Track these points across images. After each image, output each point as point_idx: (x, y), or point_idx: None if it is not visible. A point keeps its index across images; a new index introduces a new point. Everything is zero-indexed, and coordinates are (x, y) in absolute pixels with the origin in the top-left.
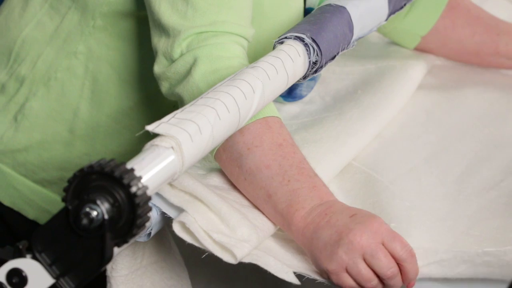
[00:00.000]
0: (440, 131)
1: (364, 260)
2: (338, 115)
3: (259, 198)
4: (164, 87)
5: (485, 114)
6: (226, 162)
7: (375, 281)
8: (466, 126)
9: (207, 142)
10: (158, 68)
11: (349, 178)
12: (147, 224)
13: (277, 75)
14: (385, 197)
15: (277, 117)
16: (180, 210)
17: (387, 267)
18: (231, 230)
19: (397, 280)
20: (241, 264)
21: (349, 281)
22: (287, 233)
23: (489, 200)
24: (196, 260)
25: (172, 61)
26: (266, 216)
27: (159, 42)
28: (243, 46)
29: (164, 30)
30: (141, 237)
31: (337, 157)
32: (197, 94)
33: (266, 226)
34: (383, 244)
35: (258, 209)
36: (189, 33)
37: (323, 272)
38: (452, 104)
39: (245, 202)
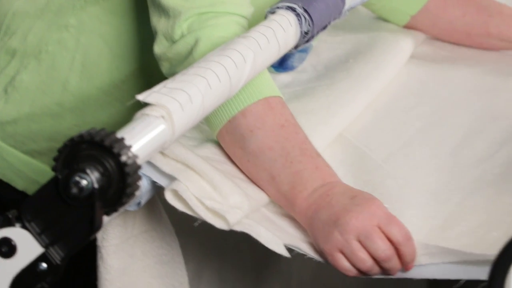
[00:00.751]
0: (435, 102)
1: (360, 242)
2: (330, 85)
3: (263, 180)
4: (165, 67)
5: (479, 86)
6: (229, 143)
7: (369, 262)
8: (459, 98)
9: (197, 111)
10: (159, 48)
11: (342, 151)
12: (137, 193)
13: (268, 45)
14: (377, 176)
15: (278, 96)
16: (171, 179)
17: (381, 249)
18: (223, 197)
19: (394, 263)
20: (231, 234)
21: (343, 261)
22: (292, 214)
23: (483, 171)
24: (186, 229)
25: (172, 42)
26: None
27: (158, 23)
28: (243, 25)
29: (163, 10)
30: (131, 206)
31: (329, 128)
32: None
33: (258, 196)
34: (379, 227)
35: (251, 181)
36: (190, 14)
37: (321, 253)
38: (446, 75)
39: (238, 174)
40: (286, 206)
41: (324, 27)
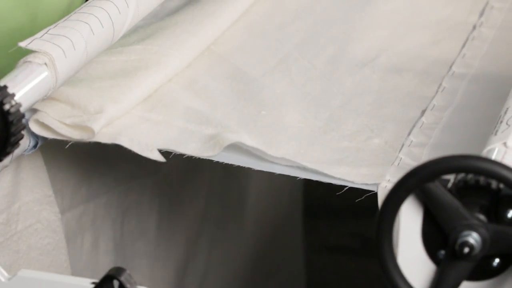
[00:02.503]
0: (310, 17)
1: None
2: (195, 2)
3: None
4: None
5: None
6: None
7: None
8: (337, 11)
9: (80, 57)
10: None
11: (218, 67)
12: (22, 142)
13: None
14: (254, 87)
15: None
16: None
17: None
18: (82, 109)
19: None
20: (127, 197)
21: None
22: None
23: (363, 77)
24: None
25: None
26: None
27: None
28: None
29: None
30: (27, 151)
31: (193, 37)
32: None
33: (130, 95)
34: None
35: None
36: None
37: None
38: None
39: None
40: None
41: None
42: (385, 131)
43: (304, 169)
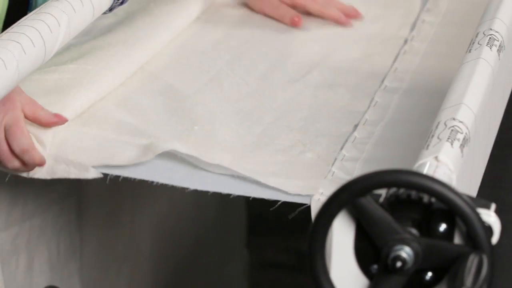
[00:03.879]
0: (243, 35)
1: None
2: (129, 23)
3: None
4: None
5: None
6: None
7: None
8: (268, 30)
9: (12, 77)
10: None
11: (150, 84)
12: None
13: (82, 8)
14: (187, 104)
15: None
16: None
17: None
18: None
19: None
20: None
21: None
22: None
23: (295, 92)
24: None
25: None
26: None
27: None
28: None
29: None
30: None
31: (127, 58)
32: None
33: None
34: None
35: None
36: None
37: None
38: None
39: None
40: None
41: None
42: (318, 145)
43: (237, 186)
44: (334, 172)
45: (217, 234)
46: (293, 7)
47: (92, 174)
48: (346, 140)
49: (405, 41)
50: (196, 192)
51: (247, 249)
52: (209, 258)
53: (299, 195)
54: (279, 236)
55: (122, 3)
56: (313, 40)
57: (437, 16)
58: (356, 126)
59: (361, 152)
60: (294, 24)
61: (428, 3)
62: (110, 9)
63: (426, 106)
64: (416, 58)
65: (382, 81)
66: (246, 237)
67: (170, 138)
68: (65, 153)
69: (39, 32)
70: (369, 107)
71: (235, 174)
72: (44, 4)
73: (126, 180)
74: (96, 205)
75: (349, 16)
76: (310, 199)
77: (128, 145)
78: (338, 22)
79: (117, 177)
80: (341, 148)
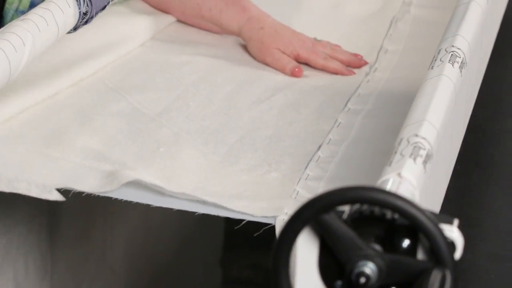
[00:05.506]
0: (209, 60)
1: None
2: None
3: None
4: None
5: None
6: None
7: None
8: (235, 54)
9: None
10: None
11: (115, 104)
12: None
13: (47, 27)
14: (152, 124)
15: None
16: None
17: None
18: None
19: None
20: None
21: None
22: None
23: (260, 112)
24: None
25: None
26: None
27: None
28: None
29: None
30: None
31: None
32: None
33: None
34: None
35: None
36: None
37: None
38: (218, 37)
39: None
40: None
41: (103, 8)
42: (283, 165)
43: (204, 203)
44: (298, 192)
45: (192, 251)
46: (296, 60)
47: (55, 196)
48: (310, 159)
49: (367, 73)
50: (170, 208)
51: (220, 266)
52: (183, 275)
53: (265, 217)
54: (246, 252)
55: (86, 22)
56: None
57: (399, 44)
58: (320, 146)
59: (324, 171)
60: (294, 75)
61: (391, 28)
62: (75, 28)
63: (389, 125)
64: (379, 84)
65: (346, 104)
66: (221, 253)
67: (135, 163)
68: (27, 172)
69: (4, 52)
70: (332, 127)
71: (200, 200)
72: (9, 24)
73: (98, 197)
74: (68, 223)
75: (353, 66)
76: (275, 219)
77: (92, 171)
78: (342, 74)
79: (88, 194)
80: (305, 168)
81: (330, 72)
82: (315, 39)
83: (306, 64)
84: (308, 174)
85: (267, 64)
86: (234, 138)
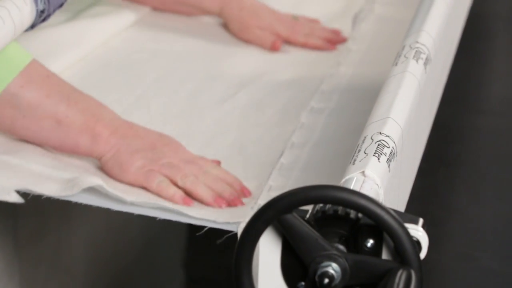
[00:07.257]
0: (170, 55)
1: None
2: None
3: (45, 129)
4: None
5: (216, 34)
6: None
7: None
8: (196, 49)
9: None
10: None
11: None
12: None
13: (4, 26)
14: None
15: (32, 59)
16: None
17: None
18: None
19: None
20: None
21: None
22: (91, 149)
23: (224, 113)
24: None
25: None
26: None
27: None
28: None
29: None
30: None
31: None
32: None
33: None
34: None
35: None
36: None
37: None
38: (180, 32)
39: None
40: (84, 143)
41: (61, 5)
42: (246, 181)
43: (166, 209)
44: (260, 205)
45: (155, 251)
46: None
47: (14, 198)
48: (273, 168)
49: (332, 66)
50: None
51: (183, 266)
52: (145, 276)
53: (227, 222)
54: (209, 251)
55: (44, 20)
56: (242, 63)
57: (362, 43)
58: (282, 152)
59: (287, 179)
60: (273, 48)
61: (354, 28)
62: (32, 26)
63: (353, 124)
64: (343, 80)
65: (309, 102)
66: (184, 254)
67: (97, 170)
68: None
69: None
70: (296, 128)
71: (161, 208)
72: None
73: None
74: (28, 225)
75: (332, 42)
76: (237, 226)
77: (53, 177)
78: (322, 49)
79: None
80: (268, 179)
81: (311, 48)
82: (293, 16)
83: (287, 42)
84: (271, 186)
85: (246, 41)
86: (196, 146)
